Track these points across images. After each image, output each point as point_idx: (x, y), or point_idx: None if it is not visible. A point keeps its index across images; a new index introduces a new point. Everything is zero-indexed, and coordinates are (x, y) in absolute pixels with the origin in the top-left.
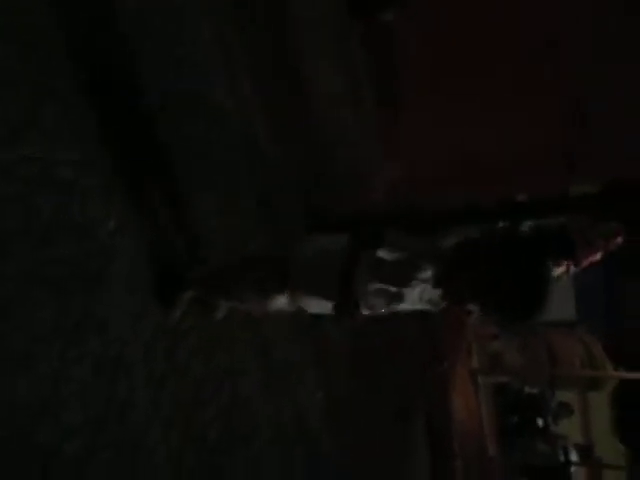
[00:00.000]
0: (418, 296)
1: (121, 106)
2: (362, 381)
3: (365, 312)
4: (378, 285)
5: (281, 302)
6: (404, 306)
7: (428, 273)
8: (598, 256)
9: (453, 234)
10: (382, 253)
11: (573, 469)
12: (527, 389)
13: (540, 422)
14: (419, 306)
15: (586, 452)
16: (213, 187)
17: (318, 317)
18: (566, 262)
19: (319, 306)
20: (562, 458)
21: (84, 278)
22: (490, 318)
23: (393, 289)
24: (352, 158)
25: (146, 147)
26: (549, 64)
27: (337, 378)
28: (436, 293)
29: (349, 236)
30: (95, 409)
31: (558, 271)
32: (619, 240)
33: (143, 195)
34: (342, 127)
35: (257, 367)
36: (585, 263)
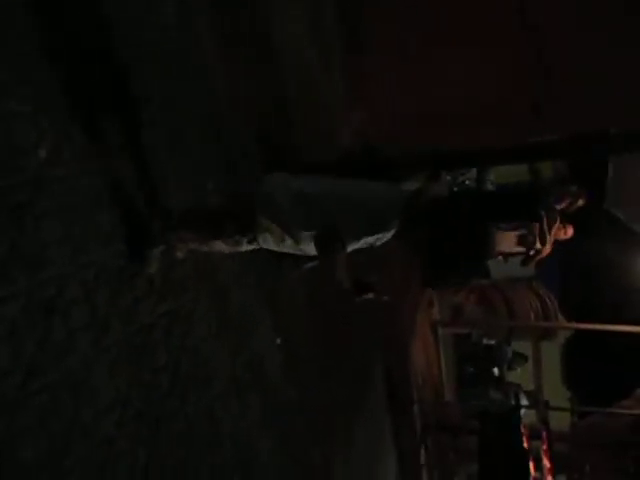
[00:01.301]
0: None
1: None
2: (319, 329)
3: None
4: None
5: (248, 247)
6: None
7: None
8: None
9: (413, 180)
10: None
11: (523, 412)
12: (485, 340)
13: (495, 371)
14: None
15: (536, 396)
16: (168, 126)
17: (276, 263)
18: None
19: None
20: (513, 402)
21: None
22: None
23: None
24: (316, 101)
25: (99, 84)
26: (516, 16)
27: (295, 325)
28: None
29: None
30: (27, 351)
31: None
32: (580, 203)
33: (97, 131)
34: (306, 69)
35: (210, 313)
36: (551, 227)
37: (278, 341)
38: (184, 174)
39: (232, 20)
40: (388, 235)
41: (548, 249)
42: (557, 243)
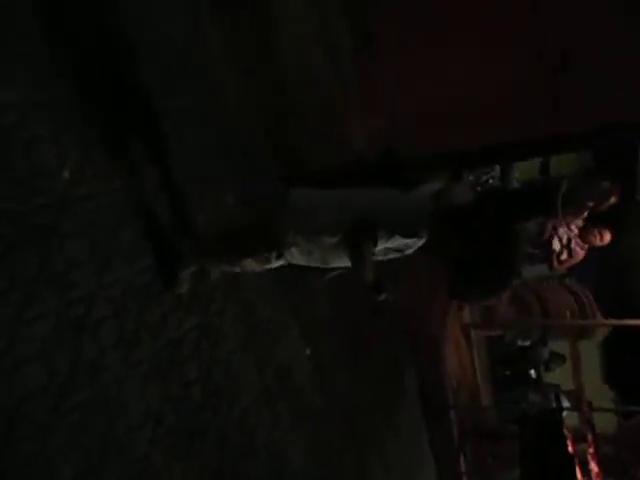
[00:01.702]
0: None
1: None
2: (347, 337)
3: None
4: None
5: (278, 263)
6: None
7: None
8: (585, 215)
9: (434, 182)
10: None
11: (565, 414)
12: (519, 341)
13: (533, 373)
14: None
15: (578, 398)
16: (186, 143)
17: (301, 274)
18: (547, 220)
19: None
20: (554, 404)
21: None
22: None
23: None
24: (327, 106)
25: (120, 100)
26: (533, 11)
27: (322, 334)
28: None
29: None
30: (60, 370)
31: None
32: (613, 200)
33: (119, 148)
34: (315, 72)
35: (237, 326)
36: (569, 221)
37: (308, 351)
38: (206, 189)
39: (243, 33)
40: (419, 243)
41: (581, 254)
42: (593, 249)
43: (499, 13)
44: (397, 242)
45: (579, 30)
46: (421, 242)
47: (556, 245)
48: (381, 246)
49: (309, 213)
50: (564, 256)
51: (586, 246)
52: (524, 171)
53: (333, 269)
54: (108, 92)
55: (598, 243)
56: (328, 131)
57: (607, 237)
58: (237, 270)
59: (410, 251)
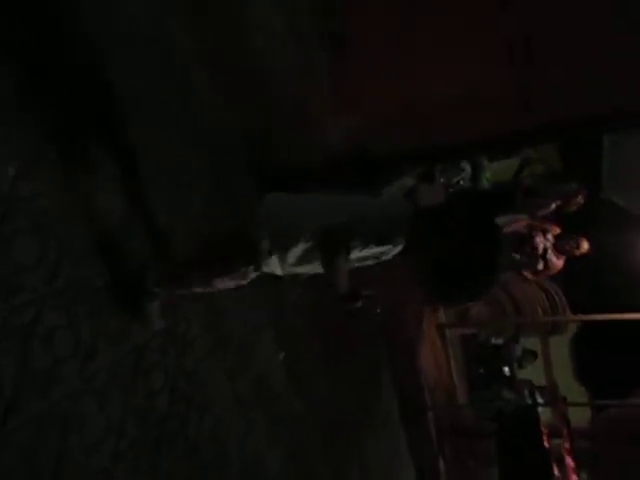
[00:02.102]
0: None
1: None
2: (323, 341)
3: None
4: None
5: (255, 275)
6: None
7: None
8: (551, 208)
9: (406, 179)
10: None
11: (540, 410)
12: (493, 340)
13: (506, 370)
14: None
15: (551, 393)
16: (152, 147)
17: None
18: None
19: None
20: (529, 401)
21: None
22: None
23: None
24: (299, 105)
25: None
26: (503, 7)
27: (297, 339)
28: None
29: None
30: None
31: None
32: (580, 199)
33: (75, 148)
34: (286, 72)
35: (206, 331)
36: (538, 214)
37: (281, 356)
38: (171, 191)
39: (211, 30)
40: (395, 250)
41: (559, 264)
42: (571, 258)
43: (470, 9)
44: (372, 250)
45: (548, 24)
46: (398, 249)
47: (534, 249)
48: (355, 255)
49: (282, 218)
50: (540, 266)
51: (563, 257)
52: (499, 173)
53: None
54: (64, 86)
55: (577, 253)
56: (302, 131)
57: (585, 246)
58: (211, 290)
59: (387, 257)
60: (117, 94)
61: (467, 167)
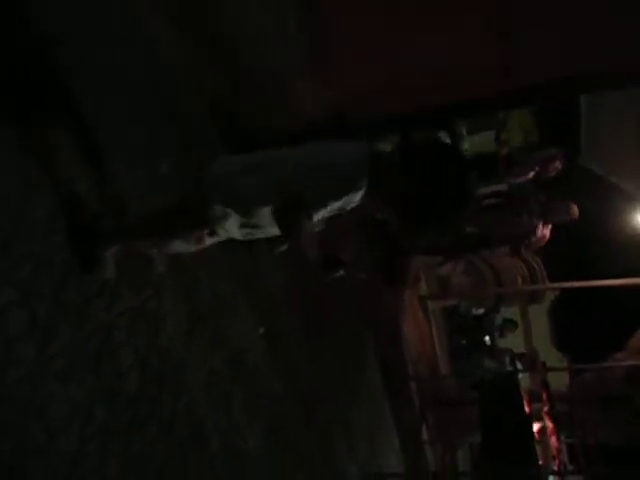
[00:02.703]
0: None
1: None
2: (303, 312)
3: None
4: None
5: (212, 241)
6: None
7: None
8: (530, 175)
9: (388, 142)
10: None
11: (520, 376)
12: (474, 310)
13: (487, 340)
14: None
15: (531, 360)
16: (114, 106)
17: (248, 247)
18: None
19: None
20: (510, 368)
21: None
22: (410, 225)
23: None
24: (276, 73)
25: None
26: None
27: (276, 311)
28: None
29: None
30: None
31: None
32: (558, 164)
33: (25, 103)
34: (260, 31)
35: (179, 307)
36: (516, 179)
37: (261, 330)
38: (134, 155)
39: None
40: (358, 196)
41: (547, 234)
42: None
43: None
44: (335, 205)
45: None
46: (360, 195)
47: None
48: (317, 218)
49: (232, 184)
50: (533, 239)
51: (550, 226)
52: (478, 144)
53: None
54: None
55: (567, 218)
56: (277, 99)
57: (575, 210)
58: (169, 252)
59: (352, 205)
60: (74, 63)
61: (446, 138)
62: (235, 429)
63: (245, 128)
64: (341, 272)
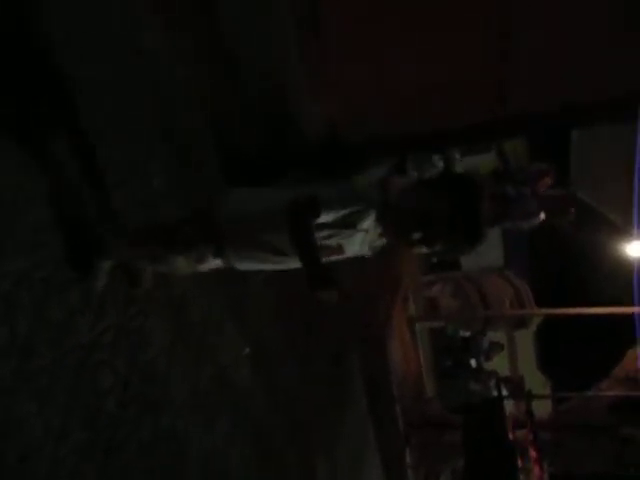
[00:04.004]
0: (359, 244)
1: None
2: (291, 333)
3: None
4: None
5: (214, 264)
6: (347, 254)
7: (368, 222)
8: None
9: (378, 170)
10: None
11: (506, 402)
12: (461, 332)
13: (473, 362)
14: (360, 252)
15: (516, 386)
16: (117, 128)
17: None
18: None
19: (257, 265)
20: (495, 392)
21: None
22: (432, 250)
23: (335, 243)
24: (273, 91)
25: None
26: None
27: (262, 331)
28: (375, 237)
29: (286, 206)
30: None
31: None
32: (548, 180)
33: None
34: (261, 57)
35: (164, 326)
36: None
37: (247, 350)
38: (127, 168)
39: (182, 17)
40: (369, 217)
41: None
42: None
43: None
44: (342, 213)
45: (523, 14)
46: (371, 217)
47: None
48: (324, 219)
49: (246, 204)
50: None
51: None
52: (471, 169)
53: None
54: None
55: (545, 185)
56: (273, 115)
57: (548, 180)
58: (164, 269)
59: (366, 225)
60: (71, 73)
61: (439, 162)
62: (218, 449)
63: (241, 143)
64: (331, 293)
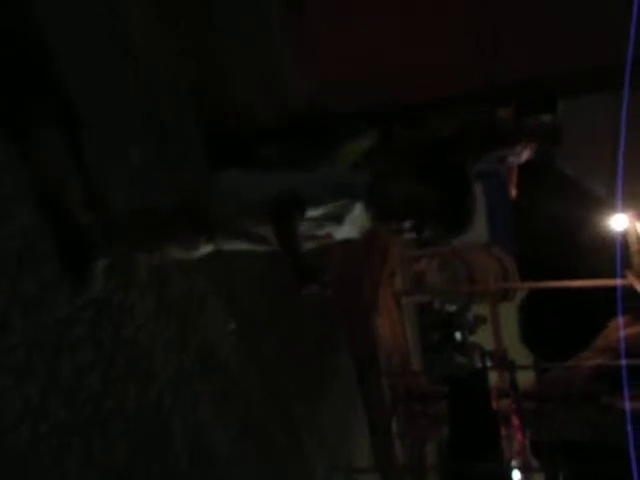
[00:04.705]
0: (348, 230)
1: None
2: (277, 308)
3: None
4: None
5: (206, 250)
6: (336, 239)
7: (356, 211)
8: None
9: (364, 139)
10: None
11: (490, 374)
12: (447, 307)
13: (458, 336)
14: (349, 236)
15: (500, 358)
16: (97, 106)
17: None
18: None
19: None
20: (479, 364)
21: None
22: (420, 234)
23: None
24: (259, 62)
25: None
26: None
27: (248, 305)
28: (364, 221)
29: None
30: None
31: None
32: (529, 154)
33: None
34: (246, 30)
35: (148, 301)
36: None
37: (232, 326)
38: (109, 149)
39: None
40: (357, 207)
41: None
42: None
43: None
44: (329, 208)
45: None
46: (359, 207)
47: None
48: (311, 214)
49: (236, 192)
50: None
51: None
52: None
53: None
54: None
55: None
56: (257, 88)
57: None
58: (157, 259)
59: (349, 213)
60: (51, 48)
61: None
62: (203, 424)
63: (224, 116)
64: (315, 287)
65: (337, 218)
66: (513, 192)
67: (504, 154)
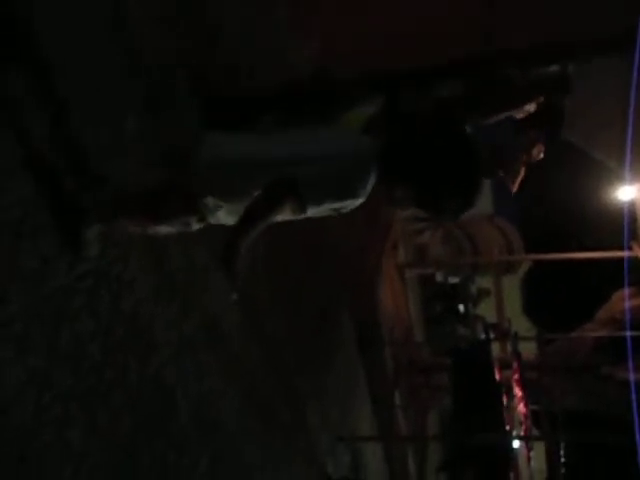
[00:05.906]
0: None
1: None
2: (280, 279)
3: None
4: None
5: (198, 226)
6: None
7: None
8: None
9: (368, 106)
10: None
11: (493, 345)
12: (450, 279)
13: (461, 308)
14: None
15: (503, 329)
16: (83, 67)
17: None
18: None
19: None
20: (482, 336)
21: None
22: (426, 213)
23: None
24: (257, 24)
25: None
26: None
27: (252, 278)
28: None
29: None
30: None
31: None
32: (541, 147)
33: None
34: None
35: (147, 271)
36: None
37: (235, 297)
38: (98, 109)
39: None
40: (356, 203)
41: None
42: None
43: None
44: (331, 206)
45: None
46: (358, 202)
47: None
48: (312, 212)
49: (227, 169)
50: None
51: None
52: None
53: None
54: None
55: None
56: (257, 53)
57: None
58: (150, 232)
59: (346, 210)
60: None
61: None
62: (207, 396)
63: (220, 83)
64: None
65: (342, 208)
66: (514, 187)
67: (514, 114)
